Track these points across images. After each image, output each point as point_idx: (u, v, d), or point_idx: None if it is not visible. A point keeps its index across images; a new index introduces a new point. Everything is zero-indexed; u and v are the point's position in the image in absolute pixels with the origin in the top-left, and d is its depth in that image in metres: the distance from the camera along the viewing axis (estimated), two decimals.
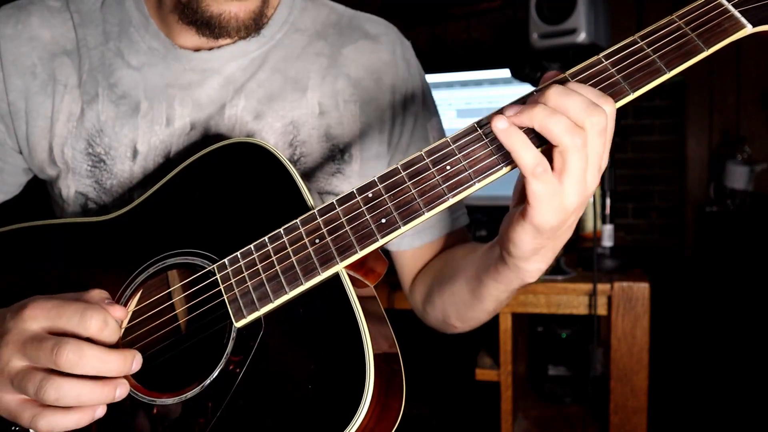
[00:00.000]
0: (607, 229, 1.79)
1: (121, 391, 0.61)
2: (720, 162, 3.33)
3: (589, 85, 0.61)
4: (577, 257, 1.86)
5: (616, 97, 0.60)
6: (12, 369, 0.60)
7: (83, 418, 0.60)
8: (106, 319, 0.61)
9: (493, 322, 1.73)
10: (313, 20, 0.93)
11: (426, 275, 0.97)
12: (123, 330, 0.72)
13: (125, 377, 0.67)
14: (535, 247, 0.65)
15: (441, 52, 3.50)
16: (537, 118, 0.57)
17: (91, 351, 0.59)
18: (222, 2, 0.75)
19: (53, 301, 0.62)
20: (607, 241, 1.78)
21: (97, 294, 0.65)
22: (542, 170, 0.58)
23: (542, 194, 0.59)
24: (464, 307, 0.87)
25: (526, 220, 0.62)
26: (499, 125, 0.59)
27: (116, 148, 0.85)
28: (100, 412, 0.60)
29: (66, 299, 0.63)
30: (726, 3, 0.61)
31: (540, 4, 1.90)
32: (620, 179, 3.39)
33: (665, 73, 0.60)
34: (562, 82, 0.61)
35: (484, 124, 0.62)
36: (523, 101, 0.62)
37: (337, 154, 0.89)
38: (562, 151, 0.57)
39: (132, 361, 0.62)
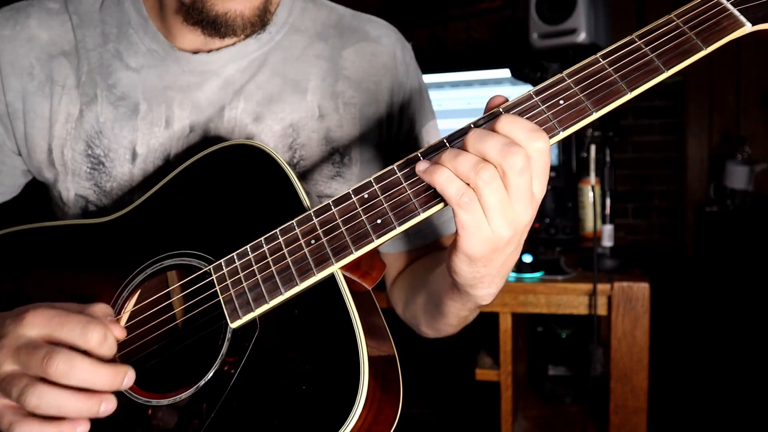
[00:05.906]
0: (607, 229, 1.78)
1: (106, 406, 0.58)
2: (720, 162, 3.33)
3: (583, 86, 0.60)
4: (577, 257, 1.86)
5: (613, 96, 0.60)
6: (1, 373, 0.59)
7: None
8: (106, 334, 0.60)
9: (493, 322, 1.72)
10: (314, 21, 0.92)
11: (405, 279, 0.97)
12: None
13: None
14: (473, 275, 0.65)
15: (440, 53, 3.50)
16: (445, 160, 0.58)
17: (83, 363, 0.58)
18: (226, 0, 0.75)
19: (56, 309, 0.61)
20: (607, 241, 1.78)
21: (101, 309, 0.64)
22: (467, 201, 0.58)
23: (468, 224, 0.59)
24: (431, 318, 0.88)
25: (458, 249, 0.62)
26: (420, 167, 0.60)
27: (115, 150, 0.85)
28: (83, 429, 0.58)
29: (70, 310, 0.62)
30: (725, 1, 0.61)
31: (540, 4, 1.90)
32: (620, 179, 3.39)
33: (663, 72, 0.59)
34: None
35: (481, 124, 0.62)
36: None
37: (336, 157, 0.89)
38: (474, 188, 0.58)
39: (124, 375, 0.60)
